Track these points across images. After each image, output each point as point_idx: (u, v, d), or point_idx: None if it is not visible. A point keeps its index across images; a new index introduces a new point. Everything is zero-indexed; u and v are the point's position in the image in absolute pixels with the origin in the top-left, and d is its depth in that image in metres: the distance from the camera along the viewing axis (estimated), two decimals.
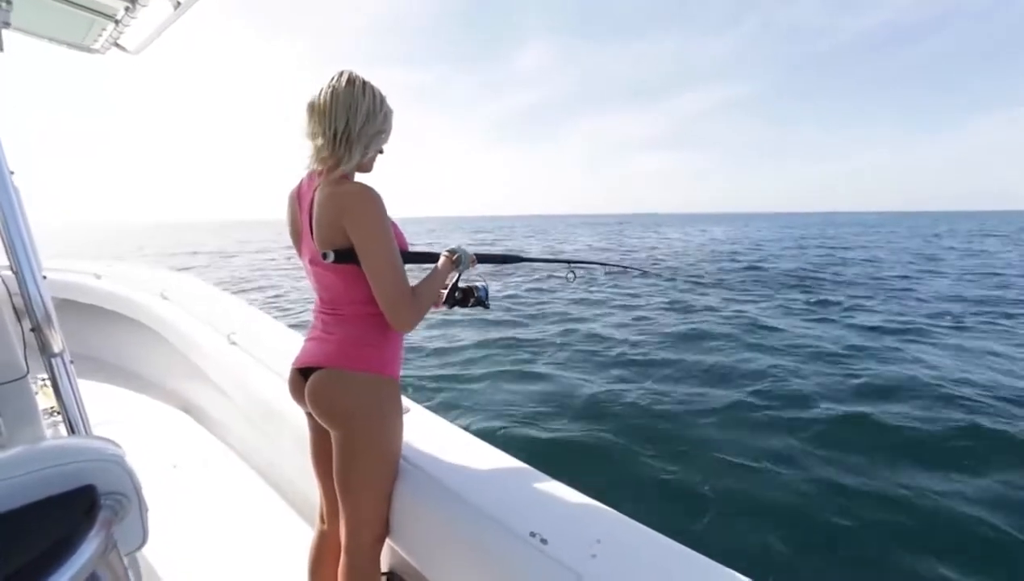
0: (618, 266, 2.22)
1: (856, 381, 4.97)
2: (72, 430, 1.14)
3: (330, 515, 1.35)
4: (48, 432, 1.26)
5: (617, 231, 53.41)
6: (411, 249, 1.28)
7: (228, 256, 24.43)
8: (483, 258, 1.45)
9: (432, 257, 1.33)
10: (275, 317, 2.68)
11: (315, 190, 1.15)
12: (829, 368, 5.43)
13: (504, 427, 3.98)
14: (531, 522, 1.03)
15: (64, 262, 3.96)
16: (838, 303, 9.40)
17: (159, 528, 1.87)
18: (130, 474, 0.53)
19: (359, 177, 1.19)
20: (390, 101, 1.17)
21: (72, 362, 1.18)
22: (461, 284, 1.39)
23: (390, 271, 1.10)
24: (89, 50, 1.96)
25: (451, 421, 1.53)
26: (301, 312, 9.03)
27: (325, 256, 1.12)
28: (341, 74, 1.10)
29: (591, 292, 10.76)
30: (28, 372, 1.31)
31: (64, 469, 0.49)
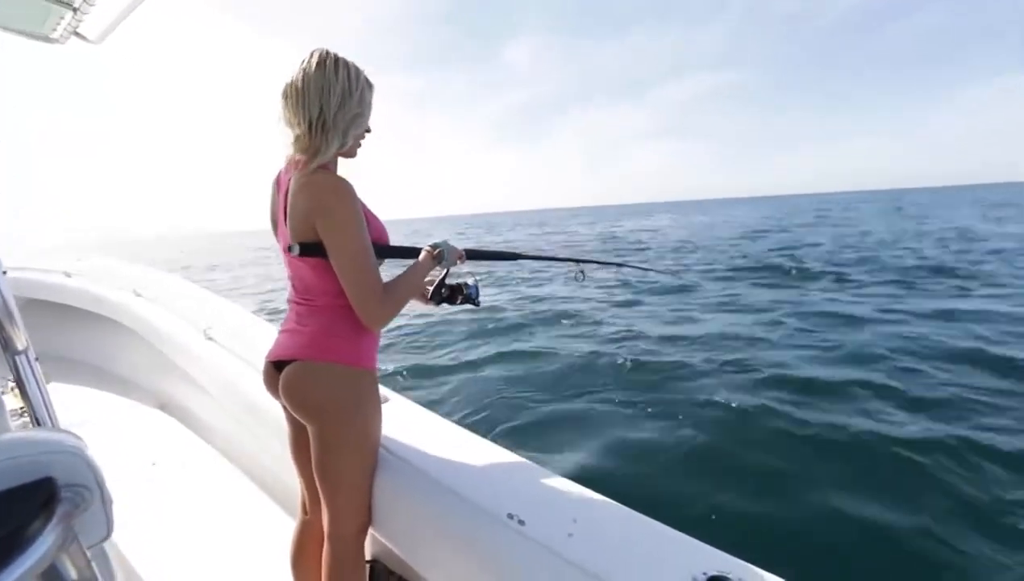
0: (637, 266, 2.12)
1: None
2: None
3: (312, 505, 1.35)
4: (15, 432, 1.23)
5: (613, 221, 52.61)
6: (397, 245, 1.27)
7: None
8: (474, 254, 1.40)
9: (413, 252, 1.29)
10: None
11: (290, 178, 1.13)
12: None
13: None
14: (508, 504, 1.05)
15: (31, 260, 3.84)
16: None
17: (139, 524, 1.86)
18: (90, 465, 0.53)
19: (343, 163, 1.17)
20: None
21: (38, 360, 1.15)
22: (449, 280, 1.35)
23: (358, 266, 1.07)
24: (48, 39, 1.88)
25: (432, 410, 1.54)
26: None
27: (290, 249, 1.11)
28: (312, 55, 1.06)
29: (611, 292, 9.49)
30: None
31: (20, 461, 0.49)
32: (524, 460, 1.24)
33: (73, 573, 0.48)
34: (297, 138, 1.07)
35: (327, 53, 1.06)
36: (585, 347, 5.73)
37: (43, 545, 0.45)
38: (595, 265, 1.75)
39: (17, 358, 1.07)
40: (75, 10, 1.63)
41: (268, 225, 1.30)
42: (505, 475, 1.18)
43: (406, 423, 1.42)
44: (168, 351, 2.50)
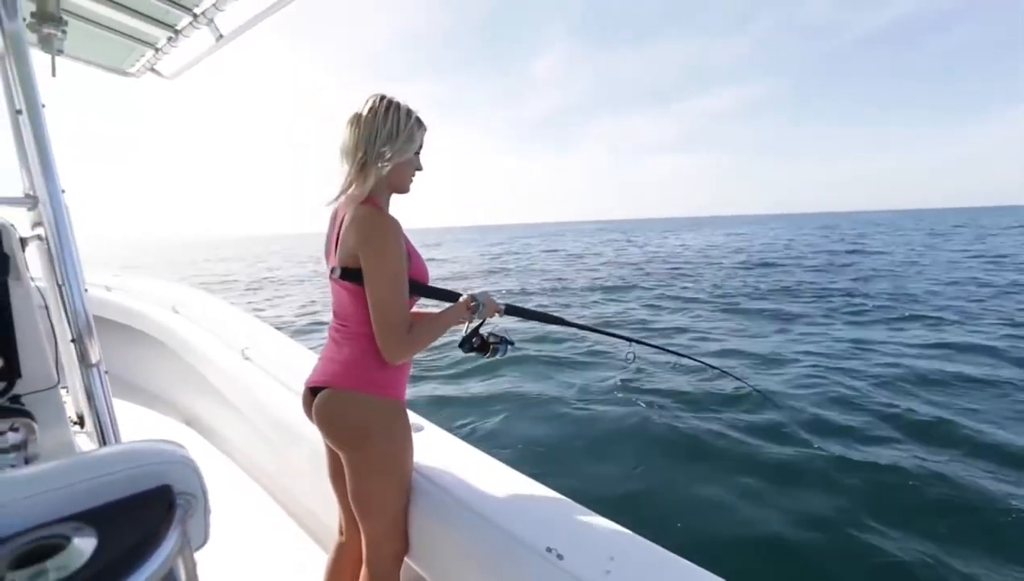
0: (701, 362, 1.96)
1: None
2: (104, 440, 1.17)
3: (348, 528, 1.38)
4: (75, 440, 1.30)
5: (626, 236, 50.49)
6: (437, 284, 1.32)
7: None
8: (514, 310, 1.40)
9: (450, 295, 1.33)
10: None
11: (346, 212, 1.21)
12: None
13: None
14: (547, 538, 1.06)
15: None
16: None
17: None
18: (198, 475, 0.58)
19: (394, 198, 1.25)
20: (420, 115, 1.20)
21: (107, 373, 1.22)
22: (484, 330, 1.36)
23: (386, 299, 1.11)
24: (125, 73, 2.04)
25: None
26: None
27: (333, 271, 1.19)
28: (368, 100, 1.16)
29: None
30: (60, 382, 1.35)
31: (147, 470, 0.54)
32: (561, 496, 1.25)
33: (183, 576, 0.53)
34: (347, 175, 1.17)
35: (381, 98, 1.16)
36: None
37: (167, 548, 0.49)
38: (651, 348, 1.64)
39: (90, 370, 1.14)
40: (157, 50, 1.78)
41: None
42: (542, 508, 1.19)
43: (441, 452, 1.45)
44: (202, 368, 2.56)
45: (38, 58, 1.41)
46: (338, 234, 1.22)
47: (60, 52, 1.42)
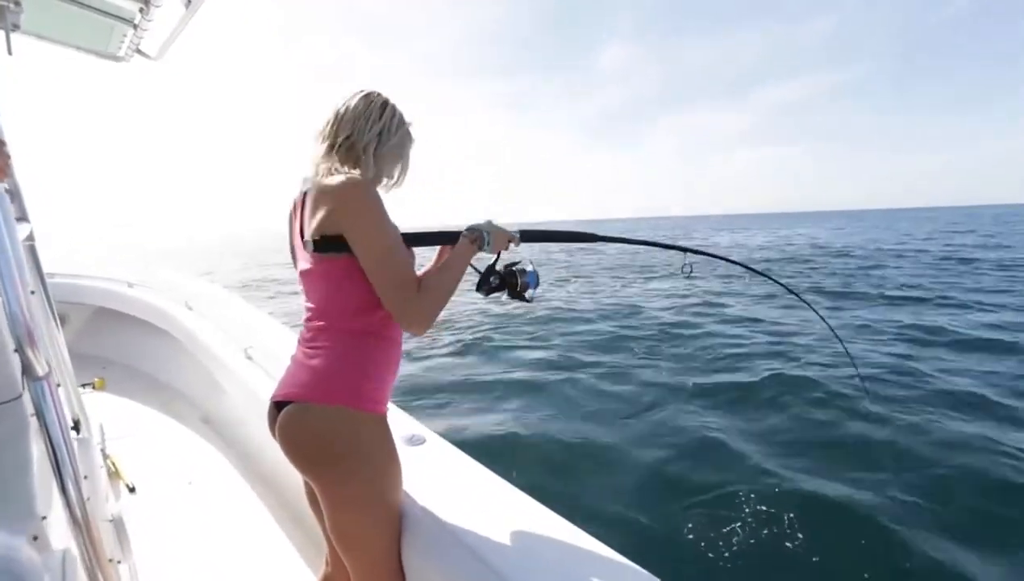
0: (771, 277, 1.72)
1: None
2: (57, 464, 1.04)
3: (333, 558, 1.21)
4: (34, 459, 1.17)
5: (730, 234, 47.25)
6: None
7: None
8: (531, 235, 1.19)
9: (453, 236, 1.12)
10: None
11: (305, 194, 1.05)
12: None
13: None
14: None
15: (102, 269, 4.04)
16: None
17: (169, 546, 1.80)
18: (18, 576, 0.39)
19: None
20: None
21: (59, 385, 1.08)
22: (500, 266, 1.15)
23: (385, 257, 0.96)
24: (115, 58, 1.93)
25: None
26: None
27: (306, 245, 1.00)
28: (363, 89, 1.07)
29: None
30: (22, 393, 1.23)
31: None
32: (579, 530, 1.04)
33: None
34: (327, 149, 1.05)
35: (378, 94, 1.07)
36: None
37: None
38: (705, 257, 1.41)
39: (35, 384, 1.01)
40: (135, 27, 1.65)
41: None
42: (557, 549, 0.99)
43: (444, 473, 1.26)
44: (211, 366, 2.48)
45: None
46: (302, 221, 1.04)
47: (16, 27, 1.28)
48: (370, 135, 1.04)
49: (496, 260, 1.15)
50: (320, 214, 0.98)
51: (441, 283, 1.03)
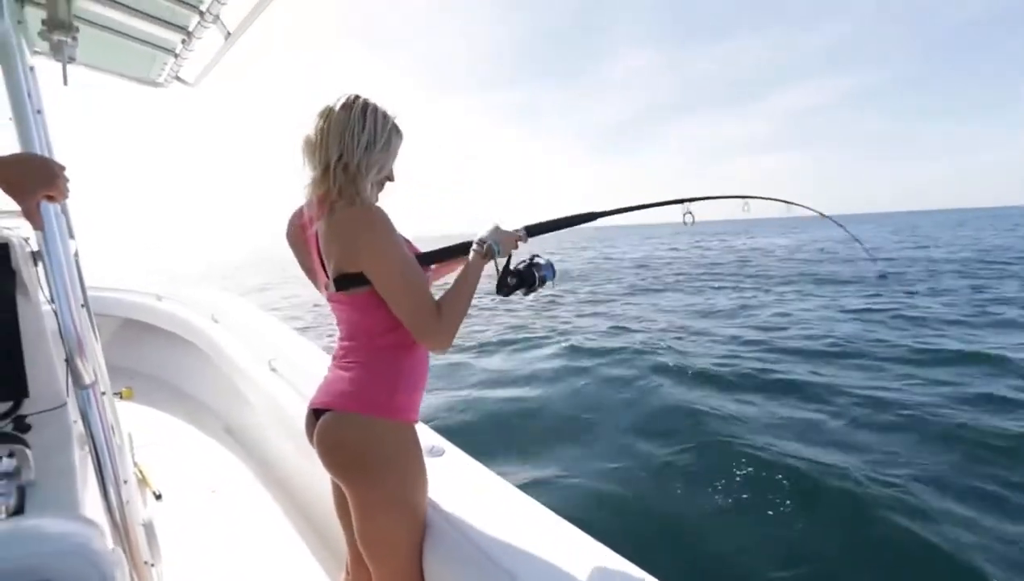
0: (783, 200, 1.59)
1: None
2: (100, 468, 1.10)
3: (354, 565, 1.24)
4: (78, 464, 1.23)
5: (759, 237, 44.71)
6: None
7: None
8: (536, 229, 1.22)
9: (464, 249, 1.17)
10: None
11: (316, 224, 1.08)
12: None
13: None
14: None
15: (131, 282, 4.18)
16: None
17: (193, 552, 1.84)
18: (96, 565, 0.44)
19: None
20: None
21: (104, 394, 1.15)
22: (514, 265, 1.19)
23: (406, 289, 1.01)
24: (155, 84, 2.05)
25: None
26: None
27: (328, 286, 1.06)
28: (338, 98, 1.03)
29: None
30: (67, 401, 1.30)
31: (17, 565, 0.41)
32: (602, 545, 1.06)
33: None
34: (313, 180, 1.04)
35: (355, 97, 1.03)
36: None
37: None
38: (706, 200, 1.39)
39: (83, 392, 1.07)
40: (176, 56, 1.75)
41: None
42: (569, 561, 1.00)
43: (463, 483, 1.29)
44: (236, 378, 2.55)
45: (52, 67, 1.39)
46: (318, 250, 1.09)
47: (72, 60, 1.38)
48: (360, 147, 1.01)
49: (509, 260, 1.18)
50: (335, 253, 1.03)
51: (459, 301, 1.07)
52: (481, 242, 1.13)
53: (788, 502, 3.06)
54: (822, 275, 14.53)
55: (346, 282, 1.03)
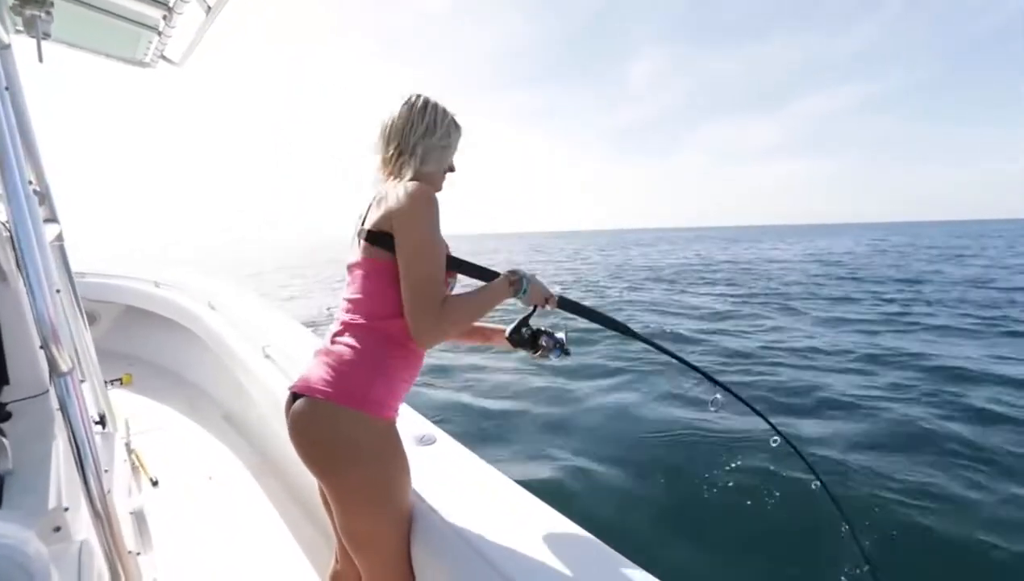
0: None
1: None
2: (80, 457, 1.07)
3: (342, 555, 1.23)
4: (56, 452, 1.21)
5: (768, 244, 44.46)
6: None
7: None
8: (568, 304, 1.20)
9: (489, 275, 1.16)
10: None
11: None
12: None
13: None
14: None
15: (129, 269, 4.17)
16: None
17: (189, 539, 1.84)
18: (23, 567, 0.40)
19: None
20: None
21: (84, 381, 1.12)
22: (533, 322, 1.19)
23: (422, 261, 1.01)
24: (141, 64, 1.99)
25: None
26: None
27: (360, 233, 1.08)
28: (405, 96, 1.14)
29: None
30: (50, 388, 1.27)
31: None
32: (595, 539, 1.03)
33: None
34: (383, 161, 1.15)
35: (418, 96, 1.14)
36: None
37: None
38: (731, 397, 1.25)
39: (60, 380, 1.04)
40: (160, 33, 1.69)
41: None
42: (558, 551, 0.98)
43: (454, 473, 1.26)
44: (231, 365, 2.54)
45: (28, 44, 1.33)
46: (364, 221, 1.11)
47: (47, 36, 1.33)
48: (415, 139, 1.10)
49: (532, 312, 1.18)
50: (379, 212, 1.05)
51: (466, 306, 1.06)
52: (514, 273, 1.14)
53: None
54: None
55: (374, 238, 1.04)
